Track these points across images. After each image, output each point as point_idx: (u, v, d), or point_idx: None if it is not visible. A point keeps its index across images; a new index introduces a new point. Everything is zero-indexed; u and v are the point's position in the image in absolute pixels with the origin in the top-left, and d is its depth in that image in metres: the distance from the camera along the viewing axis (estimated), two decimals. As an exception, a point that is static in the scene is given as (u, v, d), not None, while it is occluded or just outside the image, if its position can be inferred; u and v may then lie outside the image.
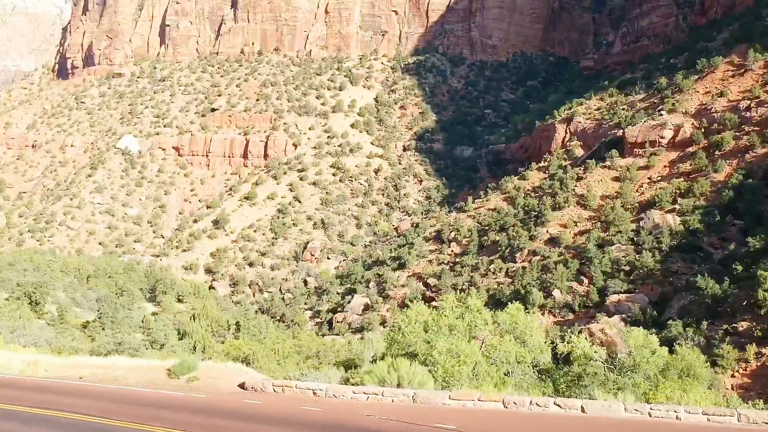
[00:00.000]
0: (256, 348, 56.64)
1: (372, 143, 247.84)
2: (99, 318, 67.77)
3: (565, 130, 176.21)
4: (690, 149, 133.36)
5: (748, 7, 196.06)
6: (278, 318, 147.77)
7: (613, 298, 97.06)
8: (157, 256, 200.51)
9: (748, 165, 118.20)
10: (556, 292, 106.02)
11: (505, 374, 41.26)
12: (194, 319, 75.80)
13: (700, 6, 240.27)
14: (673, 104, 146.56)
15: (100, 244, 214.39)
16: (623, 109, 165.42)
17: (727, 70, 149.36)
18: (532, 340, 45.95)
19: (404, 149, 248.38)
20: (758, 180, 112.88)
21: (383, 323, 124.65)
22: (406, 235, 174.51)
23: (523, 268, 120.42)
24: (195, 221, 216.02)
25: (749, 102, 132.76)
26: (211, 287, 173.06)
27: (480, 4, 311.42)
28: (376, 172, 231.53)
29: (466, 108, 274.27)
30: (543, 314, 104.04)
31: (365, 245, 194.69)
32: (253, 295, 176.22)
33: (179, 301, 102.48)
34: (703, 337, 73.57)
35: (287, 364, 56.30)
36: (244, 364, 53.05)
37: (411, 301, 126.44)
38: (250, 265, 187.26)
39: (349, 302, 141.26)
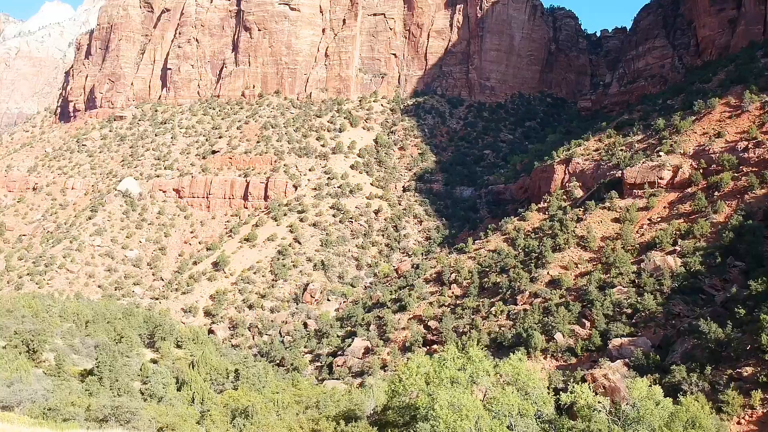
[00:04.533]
0: (255, 399, 55.88)
1: (372, 184, 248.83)
2: (97, 367, 66.99)
3: (564, 171, 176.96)
4: (689, 190, 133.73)
5: (743, 48, 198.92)
6: (278, 362, 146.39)
7: (616, 341, 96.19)
8: (157, 298, 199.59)
9: (748, 206, 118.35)
10: (558, 336, 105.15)
11: (508, 428, 40.68)
12: (193, 367, 75.05)
13: (695, 47, 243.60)
14: (671, 145, 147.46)
15: (99, 287, 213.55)
16: (621, 150, 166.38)
17: (724, 111, 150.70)
18: (535, 391, 45.39)
19: (404, 190, 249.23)
20: (758, 221, 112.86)
21: (384, 367, 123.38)
22: (407, 276, 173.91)
23: (525, 310, 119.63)
24: (195, 263, 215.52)
25: (747, 143, 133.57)
26: (210, 330, 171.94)
27: (478, 47, 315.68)
28: (376, 212, 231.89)
29: (465, 149, 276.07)
30: (545, 358, 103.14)
31: (365, 287, 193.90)
32: (253, 338, 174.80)
33: (178, 346, 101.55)
34: (707, 382, 72.75)
35: (286, 415, 55.54)
36: (244, 416, 52.39)
37: (412, 345, 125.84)
38: (250, 307, 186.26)
39: (349, 345, 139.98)
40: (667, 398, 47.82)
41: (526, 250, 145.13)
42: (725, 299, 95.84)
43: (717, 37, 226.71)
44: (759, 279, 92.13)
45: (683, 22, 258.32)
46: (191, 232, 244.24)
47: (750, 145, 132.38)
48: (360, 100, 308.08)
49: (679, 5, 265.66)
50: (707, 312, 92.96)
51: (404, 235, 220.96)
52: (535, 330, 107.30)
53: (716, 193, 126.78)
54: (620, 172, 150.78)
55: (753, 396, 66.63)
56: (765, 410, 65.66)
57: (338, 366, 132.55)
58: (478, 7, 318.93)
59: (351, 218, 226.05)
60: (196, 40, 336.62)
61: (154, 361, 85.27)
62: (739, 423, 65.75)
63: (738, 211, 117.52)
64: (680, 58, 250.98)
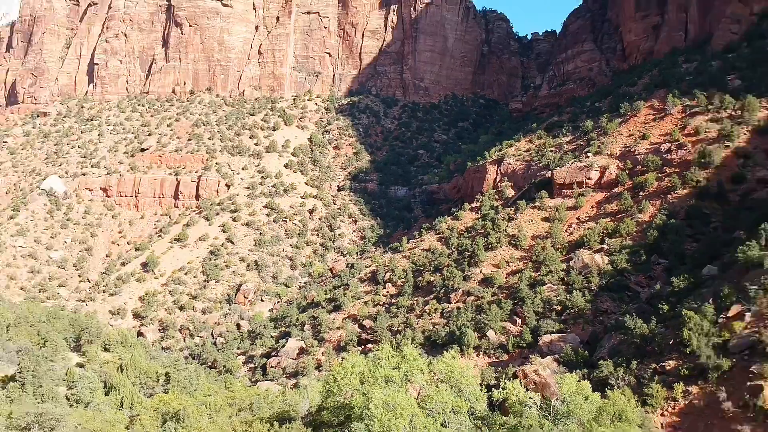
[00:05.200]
0: (187, 402, 54.61)
1: (306, 183, 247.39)
2: (19, 372, 64.21)
3: (496, 171, 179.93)
4: (616, 190, 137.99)
5: (666, 54, 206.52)
6: (210, 364, 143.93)
7: (546, 338, 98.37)
8: (83, 300, 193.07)
9: (671, 205, 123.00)
10: (490, 333, 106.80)
11: (441, 425, 40.98)
12: (121, 371, 72.87)
13: (621, 52, 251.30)
14: (599, 146, 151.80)
15: (21, 289, 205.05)
16: (551, 150, 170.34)
17: (649, 114, 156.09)
18: (468, 388, 45.86)
19: (339, 189, 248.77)
20: (680, 220, 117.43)
21: (318, 367, 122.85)
22: (342, 276, 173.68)
23: (458, 308, 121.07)
24: (123, 264, 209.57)
25: (670, 145, 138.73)
26: (139, 333, 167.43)
27: (412, 48, 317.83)
28: (311, 212, 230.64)
29: (400, 148, 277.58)
30: (478, 355, 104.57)
31: (300, 287, 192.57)
32: (184, 340, 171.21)
33: (106, 350, 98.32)
34: (633, 376, 75.04)
35: (219, 418, 54.50)
36: (175, 420, 51.11)
37: (346, 344, 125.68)
38: (181, 308, 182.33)
39: (283, 346, 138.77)
40: (596, 393, 49.14)
41: (460, 249, 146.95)
42: (650, 296, 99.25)
43: (642, 42, 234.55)
44: (681, 276, 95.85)
45: (610, 27, 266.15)
46: (119, 232, 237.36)
47: (673, 147, 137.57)
48: (294, 99, 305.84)
49: (606, 11, 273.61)
50: (633, 308, 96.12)
51: (339, 235, 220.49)
52: (468, 328, 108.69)
53: (641, 193, 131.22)
54: (550, 172, 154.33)
55: (675, 389, 69.03)
56: (686, 402, 68.13)
57: (272, 367, 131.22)
58: (412, 8, 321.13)
59: (285, 218, 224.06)
60: (125, 34, 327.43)
61: (81, 366, 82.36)
62: (662, 415, 68.02)
63: (662, 211, 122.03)
64: (607, 61, 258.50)
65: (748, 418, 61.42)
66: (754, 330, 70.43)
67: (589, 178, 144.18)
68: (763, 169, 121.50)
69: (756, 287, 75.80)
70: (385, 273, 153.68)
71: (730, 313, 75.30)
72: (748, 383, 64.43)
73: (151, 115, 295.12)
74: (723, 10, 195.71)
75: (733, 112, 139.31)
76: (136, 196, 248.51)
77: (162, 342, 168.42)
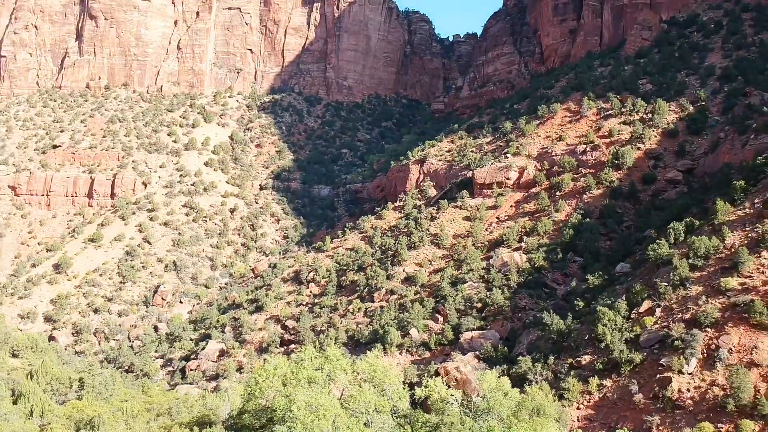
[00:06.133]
0: (102, 408, 52.70)
1: (227, 182, 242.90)
2: None
3: (419, 171, 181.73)
4: (533, 190, 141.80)
5: (582, 58, 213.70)
6: (126, 368, 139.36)
7: (467, 335, 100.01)
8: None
9: (586, 205, 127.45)
10: (413, 331, 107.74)
11: (364, 425, 40.98)
12: (31, 378, 69.68)
13: (539, 55, 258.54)
14: (517, 147, 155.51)
15: None
16: (472, 151, 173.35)
17: (565, 116, 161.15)
18: (391, 387, 46.07)
19: (261, 188, 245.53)
20: (595, 219, 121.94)
21: (240, 369, 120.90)
22: (264, 276, 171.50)
23: (381, 307, 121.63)
24: (33, 266, 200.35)
25: (585, 146, 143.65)
26: (51, 337, 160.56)
27: (335, 46, 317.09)
28: (232, 211, 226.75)
29: (323, 147, 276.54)
30: (401, 353, 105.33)
31: (221, 287, 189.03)
32: (99, 344, 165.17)
33: (14, 356, 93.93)
34: (550, 371, 77.31)
35: (136, 424, 52.85)
36: (90, 427, 49.24)
37: (269, 345, 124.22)
38: (96, 311, 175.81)
39: (203, 349, 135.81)
40: (515, 388, 50.27)
41: (383, 248, 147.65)
42: (566, 292, 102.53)
43: (559, 45, 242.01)
44: (596, 273, 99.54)
45: (529, 31, 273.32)
46: (29, 233, 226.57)
47: (588, 148, 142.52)
48: (214, 96, 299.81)
49: (525, 15, 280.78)
50: (550, 305, 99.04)
51: (261, 234, 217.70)
52: (391, 326, 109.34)
53: (558, 193, 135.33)
54: (471, 172, 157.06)
55: (590, 382, 71.50)
56: (601, 395, 70.64)
57: (191, 370, 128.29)
58: (335, 7, 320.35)
59: (205, 217, 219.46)
60: (35, 26, 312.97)
61: (-14, 373, 78.26)
62: (578, 408, 70.30)
63: (577, 210, 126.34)
64: (526, 64, 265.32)
65: (657, 409, 64.22)
66: (664, 325, 73.73)
67: (508, 179, 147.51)
68: (673, 170, 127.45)
69: (666, 284, 79.38)
70: (309, 273, 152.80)
71: (642, 309, 78.65)
72: (658, 375, 67.39)
73: (64, 111, 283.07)
74: (635, 17, 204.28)
75: (644, 115, 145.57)
76: (47, 195, 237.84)
77: (75, 346, 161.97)
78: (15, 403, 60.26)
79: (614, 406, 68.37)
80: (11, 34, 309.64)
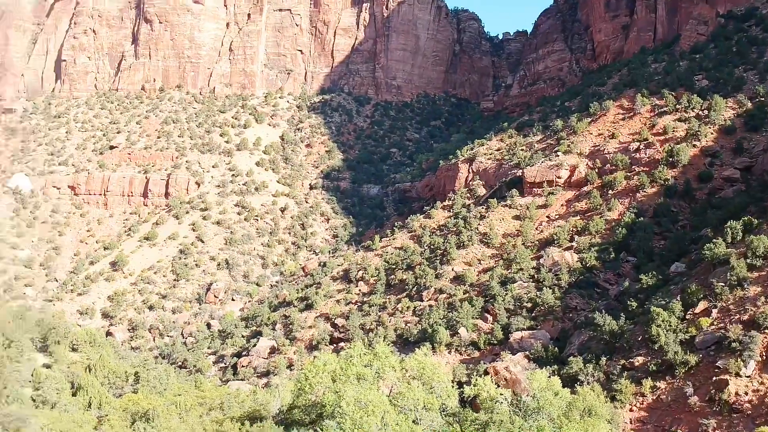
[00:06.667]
0: (156, 402, 54.02)
1: (278, 181, 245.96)
2: (-17, 374, 62.88)
3: (468, 170, 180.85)
4: (585, 189, 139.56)
5: (635, 53, 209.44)
6: (180, 364, 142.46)
7: (516, 335, 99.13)
8: (50, 300, 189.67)
9: (639, 204, 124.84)
10: (462, 330, 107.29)
11: (413, 422, 41.05)
12: (89, 371, 71.83)
13: (591, 52, 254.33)
14: (569, 145, 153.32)
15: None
16: (522, 149, 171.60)
17: (618, 113, 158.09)
18: (440, 385, 46.04)
19: (311, 188, 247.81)
20: (648, 218, 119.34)
21: (290, 366, 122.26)
22: (314, 274, 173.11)
23: (430, 306, 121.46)
24: (91, 263, 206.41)
25: (638, 144, 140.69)
26: (108, 333, 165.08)
27: (384, 46, 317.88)
28: (283, 210, 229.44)
29: (372, 147, 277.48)
30: (450, 353, 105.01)
31: (271, 285, 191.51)
32: (153, 340, 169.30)
33: (74, 350, 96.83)
34: (602, 372, 75.98)
35: (189, 418, 54.01)
36: (145, 420, 50.56)
37: (318, 343, 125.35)
38: (150, 308, 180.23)
39: (254, 345, 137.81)
40: (565, 389, 49.66)
41: (432, 247, 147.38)
42: (618, 293, 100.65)
43: (611, 42, 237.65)
44: (649, 273, 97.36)
45: (580, 27, 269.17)
46: (87, 231, 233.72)
47: (641, 146, 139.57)
48: (265, 96, 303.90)
49: (576, 11, 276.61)
50: (602, 305, 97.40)
51: (311, 233, 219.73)
52: (440, 325, 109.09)
53: (610, 192, 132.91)
54: (521, 171, 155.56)
55: (644, 384, 70.07)
56: (654, 397, 69.19)
57: (243, 366, 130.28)
58: (384, 7, 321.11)
59: (256, 216, 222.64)
60: (93, 31, 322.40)
61: (48, 366, 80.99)
62: (631, 410, 69.00)
63: (630, 209, 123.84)
64: (577, 61, 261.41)
65: (713, 412, 62.57)
66: (720, 326, 71.77)
67: (558, 177, 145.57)
68: (730, 167, 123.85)
69: (722, 284, 77.25)
70: (358, 271, 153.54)
71: (697, 310, 76.67)
72: (714, 378, 65.64)
73: (120, 113, 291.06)
74: (690, 11, 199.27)
75: (700, 112, 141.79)
76: (104, 195, 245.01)
77: (131, 342, 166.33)
78: (74, 395, 62.22)
79: (668, 409, 66.89)
80: (71, 39, 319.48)
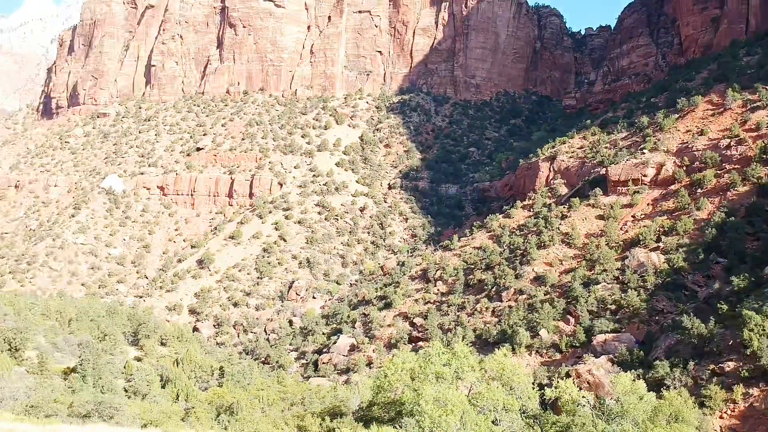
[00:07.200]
0: (240, 396, 55.65)
1: (357, 181, 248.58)
2: (80, 365, 66.44)
3: (549, 168, 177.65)
4: (672, 187, 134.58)
5: (725, 47, 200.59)
6: (263, 359, 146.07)
7: (600, 338, 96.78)
8: (141, 296, 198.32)
9: (730, 203, 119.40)
10: (542, 332, 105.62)
11: (492, 422, 40.78)
12: (177, 365, 74.68)
13: (678, 46, 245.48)
14: (655, 143, 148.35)
15: (82, 285, 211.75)
16: (606, 147, 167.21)
17: (707, 109, 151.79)
18: (520, 386, 45.53)
19: (389, 187, 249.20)
20: (740, 218, 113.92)
21: (369, 364, 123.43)
22: (392, 273, 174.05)
23: (510, 307, 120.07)
24: (179, 261, 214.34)
25: (729, 140, 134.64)
26: (195, 328, 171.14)
27: (463, 45, 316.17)
28: (362, 210, 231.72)
29: (451, 146, 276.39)
30: (530, 354, 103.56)
31: (351, 284, 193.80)
32: (238, 336, 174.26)
33: (162, 344, 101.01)
34: (690, 377, 73.36)
35: (272, 412, 55.39)
36: (229, 413, 52.18)
37: (397, 342, 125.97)
38: (235, 305, 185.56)
39: (334, 343, 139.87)
40: (651, 393, 48.19)
41: (511, 247, 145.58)
42: (708, 295, 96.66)
43: (700, 35, 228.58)
44: (741, 275, 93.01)
45: (667, 21, 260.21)
46: (175, 230, 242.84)
47: (732, 143, 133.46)
48: (345, 98, 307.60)
49: (662, 4, 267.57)
50: (690, 308, 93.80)
51: (390, 233, 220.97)
52: (520, 326, 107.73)
53: (699, 191, 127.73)
54: (604, 169, 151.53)
55: (735, 391, 67.26)
56: (747, 405, 66.29)
57: (323, 363, 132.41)
58: (463, 5, 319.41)
59: (336, 216, 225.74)
60: (180, 36, 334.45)
61: (138, 359, 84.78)
62: (721, 417, 66.33)
63: (720, 208, 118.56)
64: (664, 56, 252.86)
65: (812, 422, 59.47)
66: (819, 331, 68.08)
67: (644, 175, 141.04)
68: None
69: (821, 287, 73.27)
70: (436, 271, 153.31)
71: (793, 314, 72.95)
72: (813, 386, 62.37)
73: (206, 115, 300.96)
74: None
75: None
76: (191, 195, 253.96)
77: (217, 337, 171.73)
78: (163, 387, 64.89)
79: (763, 417, 63.93)
80: (160, 45, 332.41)
